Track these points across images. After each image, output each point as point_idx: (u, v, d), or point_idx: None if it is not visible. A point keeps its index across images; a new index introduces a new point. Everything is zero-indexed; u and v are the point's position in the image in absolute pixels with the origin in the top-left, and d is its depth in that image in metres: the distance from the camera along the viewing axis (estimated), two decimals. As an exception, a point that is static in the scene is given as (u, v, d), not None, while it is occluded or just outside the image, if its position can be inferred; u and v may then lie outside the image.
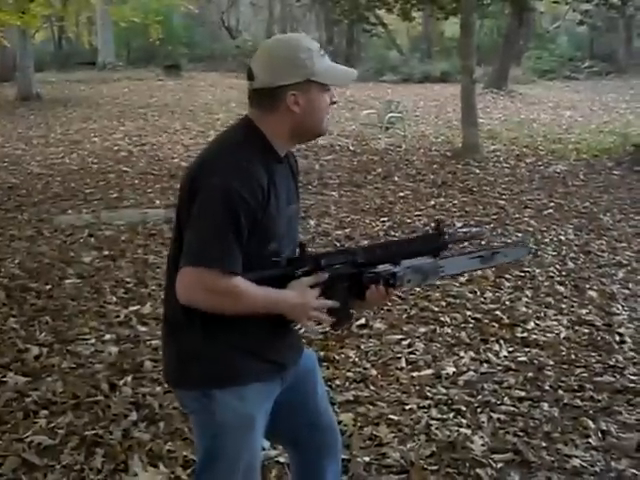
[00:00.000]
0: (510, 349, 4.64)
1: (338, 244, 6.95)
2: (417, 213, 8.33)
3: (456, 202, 8.86)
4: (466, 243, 5.45)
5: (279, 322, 2.17)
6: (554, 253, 6.72)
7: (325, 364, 4.29)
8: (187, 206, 2.06)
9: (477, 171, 10.97)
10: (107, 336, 4.82)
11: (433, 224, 2.33)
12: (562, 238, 7.24)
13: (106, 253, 6.73)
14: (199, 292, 2.03)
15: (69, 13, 28.90)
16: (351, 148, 13.14)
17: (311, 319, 2.19)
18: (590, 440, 3.56)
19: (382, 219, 8.04)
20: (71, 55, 35.77)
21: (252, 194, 2.01)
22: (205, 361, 2.15)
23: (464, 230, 6.93)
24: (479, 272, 5.67)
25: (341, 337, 4.71)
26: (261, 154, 2.11)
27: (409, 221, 7.97)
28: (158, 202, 8.88)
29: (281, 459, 3.33)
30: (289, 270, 2.15)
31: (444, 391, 4.06)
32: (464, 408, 3.86)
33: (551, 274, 6.10)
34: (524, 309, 5.32)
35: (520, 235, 7.32)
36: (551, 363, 4.42)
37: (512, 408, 3.87)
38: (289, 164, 2.27)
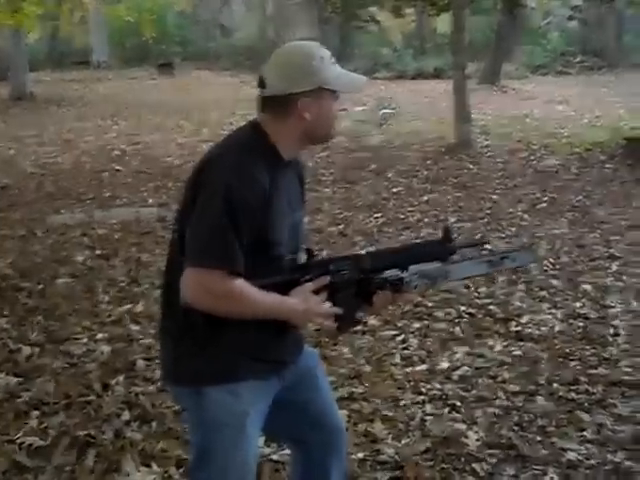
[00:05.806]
0: (504, 343, 4.62)
1: (331, 240, 6.93)
2: (410, 209, 8.31)
3: (450, 197, 8.84)
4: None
5: (279, 323, 2.17)
6: (548, 247, 6.70)
7: (319, 361, 4.28)
8: (190, 204, 2.07)
9: (470, 166, 10.94)
10: (99, 335, 4.80)
11: (441, 230, 2.32)
12: (556, 232, 7.22)
13: (99, 252, 6.70)
14: (202, 294, 2.03)
15: (63, 12, 28.77)
16: (344, 144, 13.11)
17: (314, 324, 2.19)
18: (585, 433, 3.55)
19: (376, 215, 8.02)
20: (65, 54, 35.63)
21: (253, 195, 2.02)
22: (200, 359, 2.15)
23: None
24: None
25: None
26: (266, 157, 2.11)
27: (402, 217, 7.96)
28: (151, 201, 8.85)
29: (274, 457, 3.32)
30: (296, 276, 2.16)
31: (438, 386, 4.05)
32: (459, 403, 3.85)
33: (545, 268, 6.08)
34: (518, 303, 5.30)
35: (514, 230, 7.30)
36: (545, 357, 4.41)
37: (507, 402, 3.86)
38: (296, 170, 2.28)
